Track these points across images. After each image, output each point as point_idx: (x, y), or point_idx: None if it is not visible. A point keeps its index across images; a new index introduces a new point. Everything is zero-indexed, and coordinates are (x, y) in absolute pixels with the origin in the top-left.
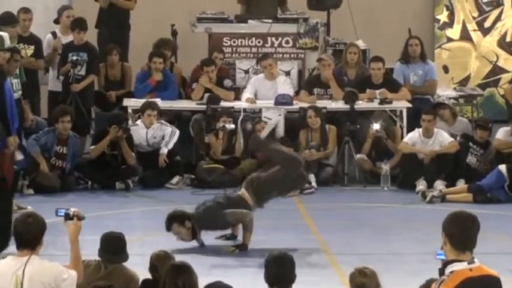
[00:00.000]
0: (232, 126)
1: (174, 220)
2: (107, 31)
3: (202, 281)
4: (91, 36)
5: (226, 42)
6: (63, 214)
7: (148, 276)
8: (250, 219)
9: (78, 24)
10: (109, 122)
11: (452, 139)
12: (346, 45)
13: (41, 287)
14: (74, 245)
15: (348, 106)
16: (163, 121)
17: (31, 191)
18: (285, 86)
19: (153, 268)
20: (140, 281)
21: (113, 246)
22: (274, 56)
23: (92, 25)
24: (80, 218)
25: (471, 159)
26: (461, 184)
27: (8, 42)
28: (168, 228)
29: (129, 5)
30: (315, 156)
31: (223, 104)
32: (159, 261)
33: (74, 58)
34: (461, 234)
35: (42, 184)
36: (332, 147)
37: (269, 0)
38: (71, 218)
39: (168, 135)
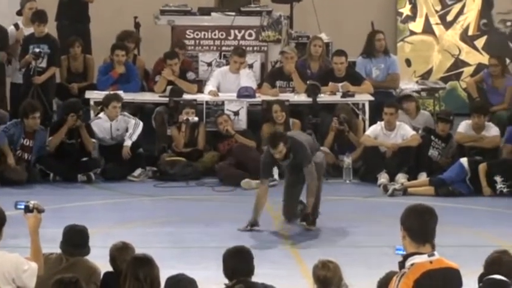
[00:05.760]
0: (196, 119)
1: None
2: (67, 24)
3: (164, 273)
4: (53, 28)
5: (189, 35)
6: (22, 207)
7: (110, 268)
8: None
9: (39, 17)
10: (65, 110)
11: (414, 132)
12: (311, 38)
13: (1, 277)
14: (34, 238)
15: (310, 99)
16: (126, 113)
17: None
18: (248, 79)
19: (112, 259)
20: (102, 274)
21: (75, 239)
22: None
23: (53, 17)
24: (40, 211)
25: (433, 152)
26: (423, 177)
27: None
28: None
29: None
30: None
31: (186, 96)
32: (117, 252)
33: (37, 50)
34: (419, 227)
35: (9, 178)
36: None
37: None
38: (31, 211)
39: (131, 127)
